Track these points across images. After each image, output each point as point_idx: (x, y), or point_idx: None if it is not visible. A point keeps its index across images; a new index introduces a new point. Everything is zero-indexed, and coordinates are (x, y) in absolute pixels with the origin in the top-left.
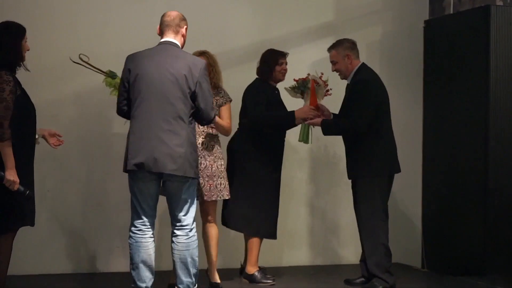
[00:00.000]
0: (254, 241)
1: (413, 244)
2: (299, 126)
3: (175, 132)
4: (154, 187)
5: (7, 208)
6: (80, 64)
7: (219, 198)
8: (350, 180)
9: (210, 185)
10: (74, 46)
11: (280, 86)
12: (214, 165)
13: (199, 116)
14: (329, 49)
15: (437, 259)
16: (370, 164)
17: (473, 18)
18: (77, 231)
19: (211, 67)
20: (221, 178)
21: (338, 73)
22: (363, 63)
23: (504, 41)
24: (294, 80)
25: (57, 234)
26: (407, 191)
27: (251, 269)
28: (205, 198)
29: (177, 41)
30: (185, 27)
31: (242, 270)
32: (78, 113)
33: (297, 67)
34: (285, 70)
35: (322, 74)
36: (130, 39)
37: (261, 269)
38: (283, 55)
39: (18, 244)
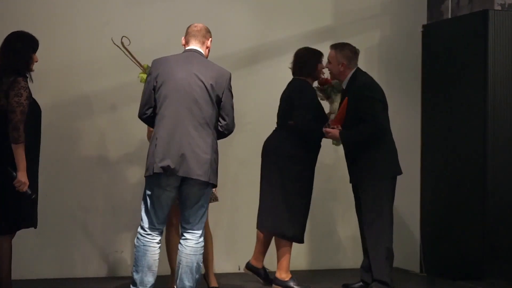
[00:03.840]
0: (288, 245)
1: (411, 249)
2: None
3: (202, 138)
4: (173, 195)
5: (9, 209)
6: (120, 48)
7: (211, 202)
8: (349, 183)
9: None
10: (73, 48)
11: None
12: None
13: (221, 126)
14: (332, 47)
15: (435, 263)
16: (375, 167)
17: (471, 22)
18: (75, 236)
19: None
20: None
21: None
22: (358, 67)
23: (502, 45)
24: (323, 81)
25: (55, 238)
26: (405, 195)
27: (285, 276)
28: None
29: (202, 51)
30: (210, 39)
31: (256, 269)
32: (77, 116)
33: None
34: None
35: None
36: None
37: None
38: (321, 53)
39: (14, 248)
